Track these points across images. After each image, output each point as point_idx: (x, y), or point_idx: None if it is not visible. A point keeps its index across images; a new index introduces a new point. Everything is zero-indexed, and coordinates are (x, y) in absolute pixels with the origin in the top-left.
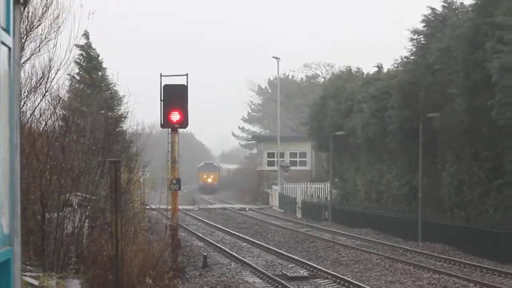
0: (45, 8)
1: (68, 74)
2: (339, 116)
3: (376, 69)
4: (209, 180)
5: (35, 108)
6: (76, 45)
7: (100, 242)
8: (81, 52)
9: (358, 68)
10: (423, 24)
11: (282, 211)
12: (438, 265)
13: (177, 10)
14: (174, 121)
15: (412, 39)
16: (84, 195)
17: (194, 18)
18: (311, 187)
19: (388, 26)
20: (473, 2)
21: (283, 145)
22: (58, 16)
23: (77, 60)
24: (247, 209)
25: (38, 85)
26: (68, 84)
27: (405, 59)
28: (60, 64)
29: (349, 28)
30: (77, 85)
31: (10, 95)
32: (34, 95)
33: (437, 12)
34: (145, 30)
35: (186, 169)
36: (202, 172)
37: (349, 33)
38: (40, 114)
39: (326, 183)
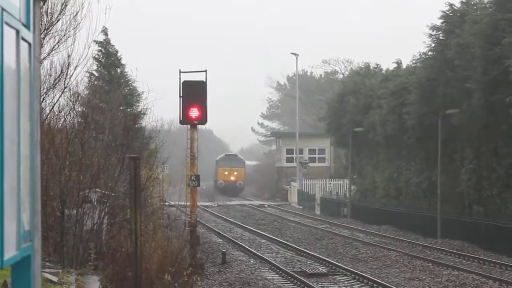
0: (64, 4)
1: (87, 72)
2: (358, 112)
3: (395, 65)
4: (232, 177)
5: (54, 104)
6: (94, 41)
7: (119, 239)
8: (100, 48)
9: (377, 64)
10: (442, 20)
11: (301, 207)
12: (457, 261)
13: (192, 10)
14: (193, 117)
15: (430, 35)
16: (103, 191)
17: (211, 18)
18: (330, 183)
19: (408, 20)
20: None
21: (302, 141)
22: (77, 13)
23: (96, 56)
24: (266, 205)
25: (57, 82)
26: (87, 81)
27: (423, 55)
28: (79, 60)
29: (369, 23)
30: (96, 82)
31: (30, 91)
32: (53, 92)
33: (456, 8)
34: (163, 29)
35: (205, 165)
36: (223, 167)
37: (370, 28)
38: (59, 111)
39: (345, 179)
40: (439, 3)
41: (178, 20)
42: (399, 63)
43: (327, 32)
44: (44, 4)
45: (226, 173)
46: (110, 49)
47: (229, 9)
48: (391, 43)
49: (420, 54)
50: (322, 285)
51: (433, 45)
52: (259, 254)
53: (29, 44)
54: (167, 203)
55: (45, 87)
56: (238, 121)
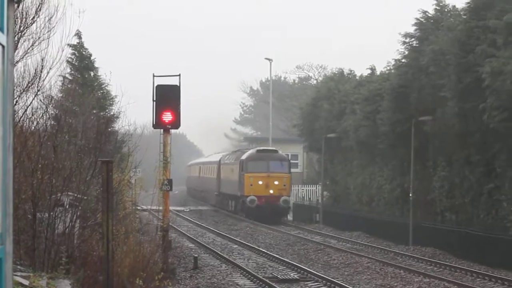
0: (38, 7)
1: (60, 75)
2: (331, 118)
3: (369, 71)
4: (271, 191)
5: (27, 107)
6: (68, 44)
7: (91, 243)
8: (73, 51)
9: (351, 70)
10: (415, 27)
11: None
12: (429, 269)
13: (167, 15)
14: (166, 121)
15: (404, 42)
16: (75, 195)
17: (186, 24)
18: (303, 189)
19: (382, 31)
20: (466, 5)
21: (274, 146)
22: (51, 16)
23: (69, 60)
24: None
25: (30, 85)
26: (60, 84)
27: (397, 62)
28: (53, 63)
29: (342, 30)
30: (69, 85)
31: (3, 94)
32: (26, 94)
33: (429, 15)
34: (137, 30)
35: (178, 170)
36: (255, 174)
37: (342, 36)
38: (32, 113)
39: (317, 185)
40: (413, 12)
41: (152, 25)
42: (373, 70)
43: (302, 38)
44: (18, 6)
45: (261, 182)
46: (83, 52)
47: (203, 14)
48: (365, 50)
49: (394, 61)
50: None
51: (406, 52)
52: (231, 259)
53: (3, 46)
54: (139, 207)
55: (19, 90)
56: (211, 126)
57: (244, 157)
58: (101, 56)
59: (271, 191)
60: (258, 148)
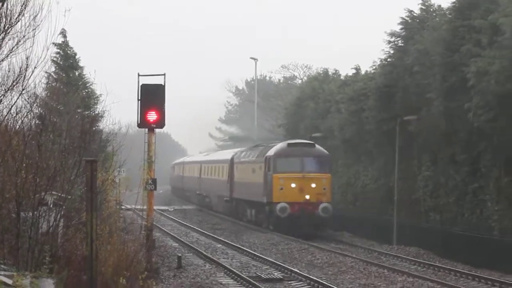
0: (23, 5)
1: (46, 72)
2: (316, 117)
3: (354, 71)
4: (308, 196)
5: (12, 106)
6: (53, 43)
7: (74, 242)
8: (58, 50)
9: (335, 70)
10: (401, 26)
11: None
12: (413, 268)
13: (152, 14)
14: (151, 121)
15: (389, 42)
16: (59, 194)
17: (169, 22)
18: None
19: (368, 29)
20: (451, 5)
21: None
22: (36, 15)
23: (54, 59)
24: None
25: (15, 84)
26: (45, 83)
27: (382, 61)
28: (37, 62)
29: (327, 30)
30: (54, 84)
31: None
32: (11, 93)
33: (415, 14)
34: (122, 32)
35: (162, 169)
36: (285, 174)
37: (328, 36)
38: (17, 113)
39: None
40: (399, 11)
41: (136, 24)
42: (357, 69)
43: (288, 38)
44: (3, 5)
45: (294, 186)
46: (68, 51)
47: (189, 15)
48: (350, 50)
49: (380, 60)
50: None
51: (392, 51)
52: (214, 258)
53: None
54: (123, 207)
55: (3, 89)
56: (197, 125)
57: (271, 153)
58: (88, 55)
59: (307, 197)
60: (289, 141)
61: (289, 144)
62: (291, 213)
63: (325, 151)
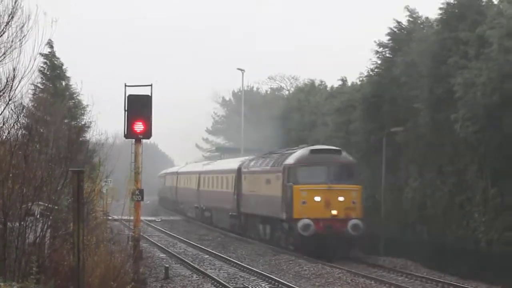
0: (10, 16)
1: (32, 84)
2: (303, 129)
3: (340, 82)
4: (335, 211)
5: None
6: (40, 53)
7: (61, 252)
8: (45, 61)
9: (322, 81)
10: (388, 37)
11: None
12: (400, 280)
13: (139, 24)
14: (138, 131)
15: (377, 52)
16: (46, 204)
17: (159, 37)
18: None
19: (357, 40)
20: (439, 16)
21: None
22: (23, 25)
23: (41, 69)
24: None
25: (1, 94)
26: (31, 93)
27: (370, 72)
28: (24, 72)
29: (314, 40)
30: (40, 94)
31: None
32: None
33: (403, 25)
34: (109, 43)
35: (149, 179)
36: (306, 187)
37: (315, 46)
38: (3, 123)
39: None
40: (387, 22)
41: (124, 34)
42: (344, 81)
43: (274, 50)
44: None
45: (319, 199)
46: (55, 62)
47: (177, 27)
48: (337, 60)
49: (367, 71)
50: None
51: (379, 62)
52: (202, 269)
53: None
54: (110, 217)
55: None
56: (184, 135)
57: (290, 160)
58: (74, 65)
59: (334, 212)
60: (312, 147)
61: (312, 151)
62: (316, 231)
63: (353, 158)
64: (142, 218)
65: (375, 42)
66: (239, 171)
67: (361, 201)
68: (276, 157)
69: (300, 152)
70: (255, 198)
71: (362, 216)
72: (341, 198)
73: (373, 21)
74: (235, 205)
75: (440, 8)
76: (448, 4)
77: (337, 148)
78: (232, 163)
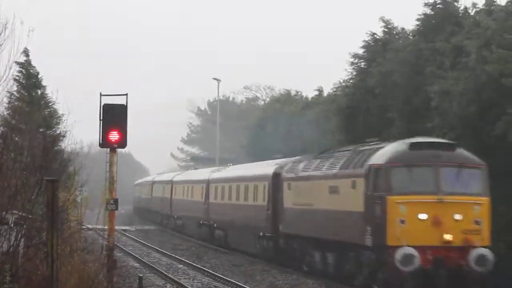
0: None
1: (8, 92)
2: (278, 139)
3: (316, 92)
4: (448, 236)
5: None
6: (16, 62)
7: (35, 262)
8: (21, 69)
9: (297, 92)
10: (363, 49)
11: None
12: None
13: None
14: (113, 141)
15: (352, 63)
16: (20, 213)
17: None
18: None
19: (332, 50)
20: (415, 27)
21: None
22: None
23: (16, 78)
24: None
25: None
26: (7, 101)
27: (344, 83)
28: (0, 81)
29: (293, 49)
30: (16, 103)
31: None
32: None
33: (378, 37)
34: (85, 49)
35: (124, 189)
36: (406, 198)
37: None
38: None
39: None
40: (362, 34)
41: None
42: (320, 91)
43: (250, 63)
44: None
45: (425, 217)
46: (31, 71)
47: (152, 39)
48: (313, 70)
49: (341, 82)
50: None
51: (354, 73)
52: (176, 279)
53: None
54: (84, 226)
55: None
56: (159, 145)
57: (380, 159)
58: (49, 74)
59: (448, 237)
60: (412, 140)
61: (412, 145)
62: (421, 266)
63: (475, 157)
64: (116, 227)
65: (349, 54)
66: (276, 177)
67: (490, 220)
68: (349, 155)
69: (393, 147)
70: (307, 214)
71: (490, 243)
72: (458, 216)
73: (349, 32)
74: (269, 223)
75: (417, 19)
76: (425, 15)
77: (449, 141)
78: (263, 168)
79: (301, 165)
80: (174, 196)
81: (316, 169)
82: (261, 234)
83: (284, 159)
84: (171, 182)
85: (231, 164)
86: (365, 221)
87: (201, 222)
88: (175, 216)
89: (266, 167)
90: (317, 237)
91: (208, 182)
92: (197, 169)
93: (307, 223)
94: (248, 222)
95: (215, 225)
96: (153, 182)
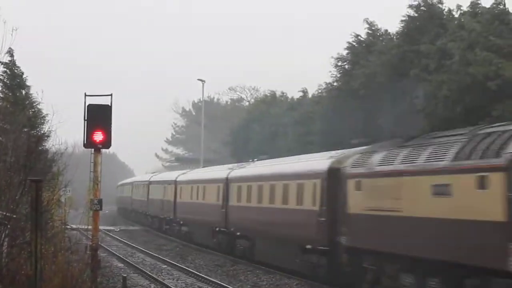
0: None
1: None
2: (263, 139)
3: (301, 93)
4: None
5: None
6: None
7: (19, 262)
8: (5, 69)
9: (283, 93)
10: (347, 51)
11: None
12: None
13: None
14: (97, 141)
15: (336, 65)
16: (4, 213)
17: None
18: None
19: (317, 53)
20: (399, 29)
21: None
22: None
23: (1, 77)
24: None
25: None
26: None
27: (329, 85)
28: None
29: (278, 51)
30: (0, 103)
31: None
32: None
33: (362, 39)
34: (70, 51)
35: (108, 189)
36: None
37: (277, 58)
38: None
39: None
40: (346, 36)
41: (84, 43)
42: (305, 92)
43: (235, 64)
44: None
45: None
46: (15, 71)
47: (135, 38)
48: (299, 71)
49: (325, 84)
50: None
51: (338, 75)
52: (159, 279)
53: None
54: (69, 226)
55: None
56: (143, 146)
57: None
58: (33, 74)
59: None
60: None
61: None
62: None
63: None
64: (100, 227)
65: (332, 57)
66: (332, 173)
67: None
68: (466, 142)
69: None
70: (392, 223)
71: None
72: None
73: (334, 33)
74: (323, 233)
75: (402, 21)
76: (409, 17)
77: None
78: (310, 163)
79: (377, 157)
80: (179, 199)
81: (406, 161)
82: (308, 246)
83: (340, 151)
84: (174, 182)
85: (255, 159)
86: (507, 236)
87: (217, 228)
88: (180, 222)
89: (315, 162)
90: (413, 255)
91: (227, 181)
92: (205, 166)
93: (391, 235)
94: (288, 231)
95: (238, 233)
96: (150, 182)
